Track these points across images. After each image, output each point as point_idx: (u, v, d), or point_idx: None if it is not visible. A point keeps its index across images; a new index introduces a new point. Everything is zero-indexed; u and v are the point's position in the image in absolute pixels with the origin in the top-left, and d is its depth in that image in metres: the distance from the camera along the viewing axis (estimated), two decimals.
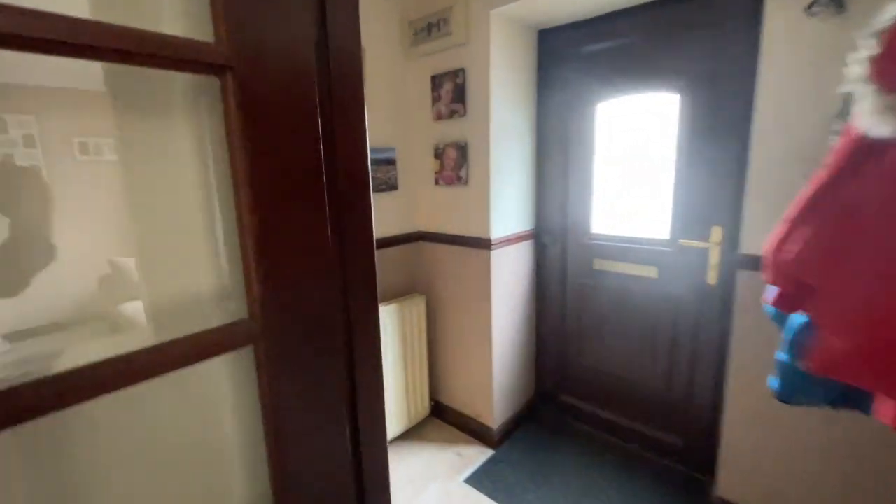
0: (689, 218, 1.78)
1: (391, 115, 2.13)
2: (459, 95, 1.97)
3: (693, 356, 1.87)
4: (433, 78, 2.06)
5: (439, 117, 2.08)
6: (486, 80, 1.88)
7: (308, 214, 0.58)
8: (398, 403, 2.19)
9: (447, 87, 2.01)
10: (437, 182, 2.16)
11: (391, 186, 2.15)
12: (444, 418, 2.41)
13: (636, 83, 1.85)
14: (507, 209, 2.08)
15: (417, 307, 2.22)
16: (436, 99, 2.07)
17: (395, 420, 2.18)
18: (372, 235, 0.66)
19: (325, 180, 0.59)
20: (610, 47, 1.90)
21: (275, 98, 0.53)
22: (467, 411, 2.29)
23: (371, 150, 2.02)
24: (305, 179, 0.57)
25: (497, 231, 2.03)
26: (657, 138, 1.86)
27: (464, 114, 1.98)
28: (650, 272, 1.91)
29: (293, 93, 0.55)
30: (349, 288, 0.64)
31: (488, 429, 2.20)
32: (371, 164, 1.99)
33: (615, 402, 2.16)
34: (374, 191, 1.99)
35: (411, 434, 2.29)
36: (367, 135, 0.67)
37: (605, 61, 1.92)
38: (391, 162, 2.14)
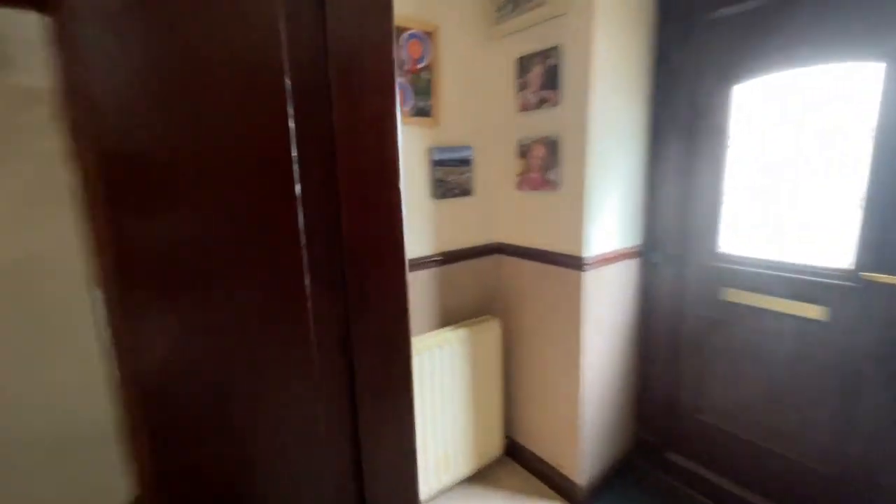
0: (888, 242, 1.24)
1: (467, 108, 1.82)
2: (551, 80, 1.60)
3: (877, 432, 1.33)
4: (520, 60, 1.71)
5: (525, 108, 1.72)
6: (586, 59, 1.49)
7: (264, 312, 0.29)
8: (466, 440, 1.89)
9: (536, 71, 1.65)
10: (520, 186, 1.81)
11: (465, 191, 1.85)
12: (520, 461, 2.07)
13: (800, 53, 1.33)
14: (608, 220, 1.67)
15: (492, 331, 1.90)
16: (522, 86, 1.72)
17: (461, 459, 1.89)
18: (408, 337, 0.35)
19: (302, 233, 0.30)
20: (759, 6, 1.40)
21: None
22: (548, 457, 1.93)
23: (443, 149, 1.73)
24: (258, 234, 0.28)
25: (593, 247, 1.63)
26: (832, 126, 1.33)
27: (556, 102, 1.60)
28: (815, 312, 1.39)
29: (226, 54, 0.26)
30: (364, 449, 0.34)
31: (573, 484, 1.81)
32: (443, 166, 1.69)
33: (746, 473, 1.65)
34: (445, 196, 1.71)
35: (480, 478, 1.98)
36: (401, 146, 0.36)
37: (752, 26, 1.42)
38: (466, 163, 1.83)
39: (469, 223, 1.90)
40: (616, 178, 1.66)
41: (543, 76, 1.63)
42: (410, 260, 1.71)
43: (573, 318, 1.68)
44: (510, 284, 1.96)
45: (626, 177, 1.70)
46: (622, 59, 1.58)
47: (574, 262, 1.63)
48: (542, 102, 1.65)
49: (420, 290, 1.77)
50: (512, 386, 2.05)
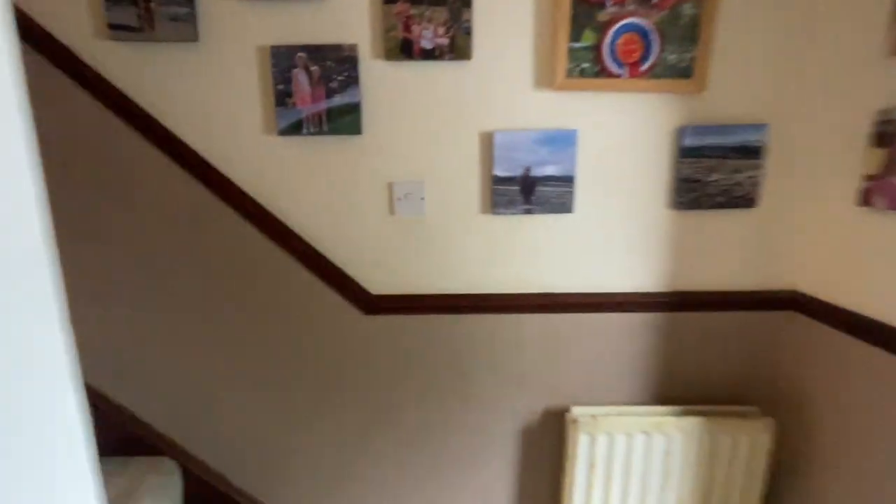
0: None
1: (761, 60, 1.07)
2: None
3: None
4: None
5: None
6: None
7: None
8: None
9: None
10: (864, 200, 0.96)
11: (740, 200, 1.12)
12: None
13: None
14: None
15: (752, 433, 1.14)
16: None
17: None
18: None
19: None
20: None
21: None
22: None
23: (707, 129, 0.90)
24: None
25: None
26: None
27: None
28: None
29: None
30: None
31: None
32: (699, 157, 0.95)
33: None
34: (696, 206, 1.02)
35: None
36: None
37: None
38: (751, 152, 1.10)
39: (738, 252, 1.17)
40: None
41: None
42: (605, 294, 1.16)
43: None
44: (809, 369, 1.12)
45: None
46: None
47: None
48: None
49: (621, 340, 1.19)
50: None
